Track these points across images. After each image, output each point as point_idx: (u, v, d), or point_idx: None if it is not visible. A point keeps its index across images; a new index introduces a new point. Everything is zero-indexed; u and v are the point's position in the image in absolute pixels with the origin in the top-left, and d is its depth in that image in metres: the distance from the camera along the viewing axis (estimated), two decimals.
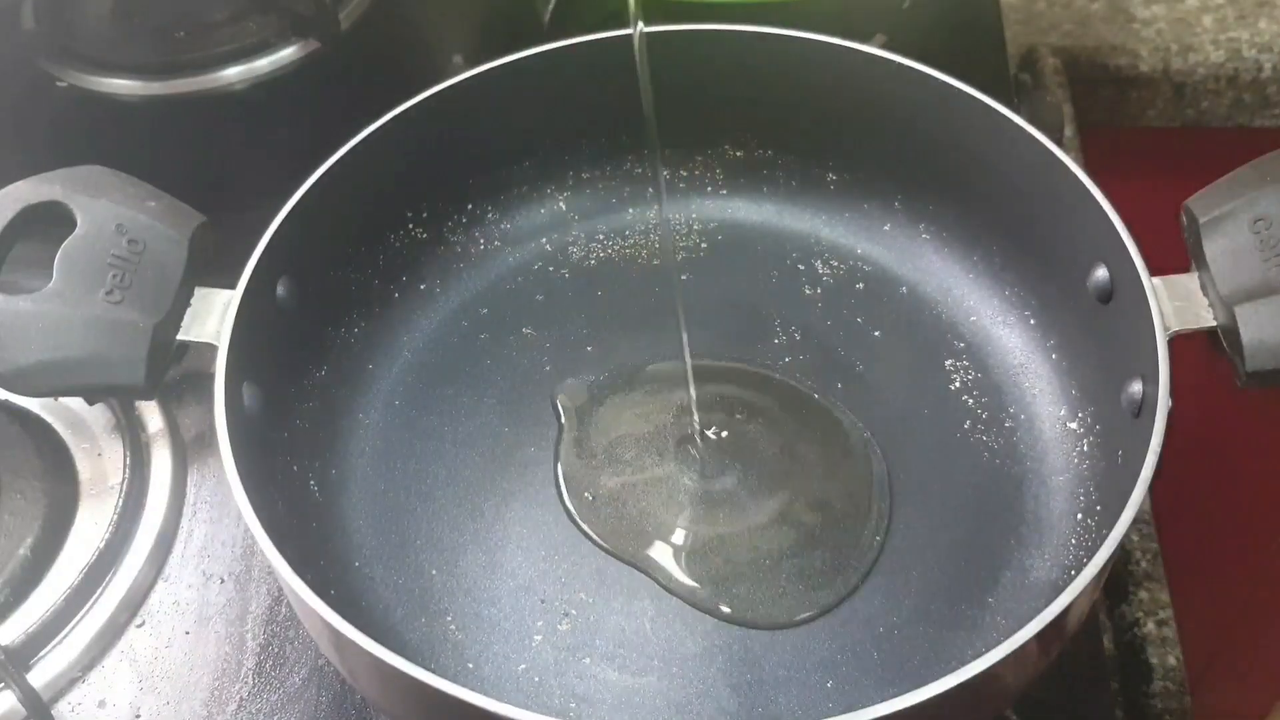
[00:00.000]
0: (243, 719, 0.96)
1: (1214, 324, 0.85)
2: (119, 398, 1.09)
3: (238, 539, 1.06)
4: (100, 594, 1.01)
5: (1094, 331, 0.98)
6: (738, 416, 1.03)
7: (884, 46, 1.05)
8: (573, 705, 0.89)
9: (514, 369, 1.09)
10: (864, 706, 0.74)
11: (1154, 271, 0.87)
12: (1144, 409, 0.84)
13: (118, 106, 1.32)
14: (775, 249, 1.18)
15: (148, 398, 1.05)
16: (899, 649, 0.90)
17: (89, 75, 1.33)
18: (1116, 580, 1.06)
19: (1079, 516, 0.98)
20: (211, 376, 0.86)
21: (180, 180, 0.98)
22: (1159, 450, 0.79)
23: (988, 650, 0.76)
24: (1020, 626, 0.77)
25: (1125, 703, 1.00)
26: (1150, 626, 1.04)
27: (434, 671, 0.70)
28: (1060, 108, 1.50)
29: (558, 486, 0.99)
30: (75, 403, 1.11)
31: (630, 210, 1.20)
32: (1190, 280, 0.87)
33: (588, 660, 0.91)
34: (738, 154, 1.18)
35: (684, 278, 1.15)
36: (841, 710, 0.68)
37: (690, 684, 0.89)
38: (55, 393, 1.05)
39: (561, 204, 1.19)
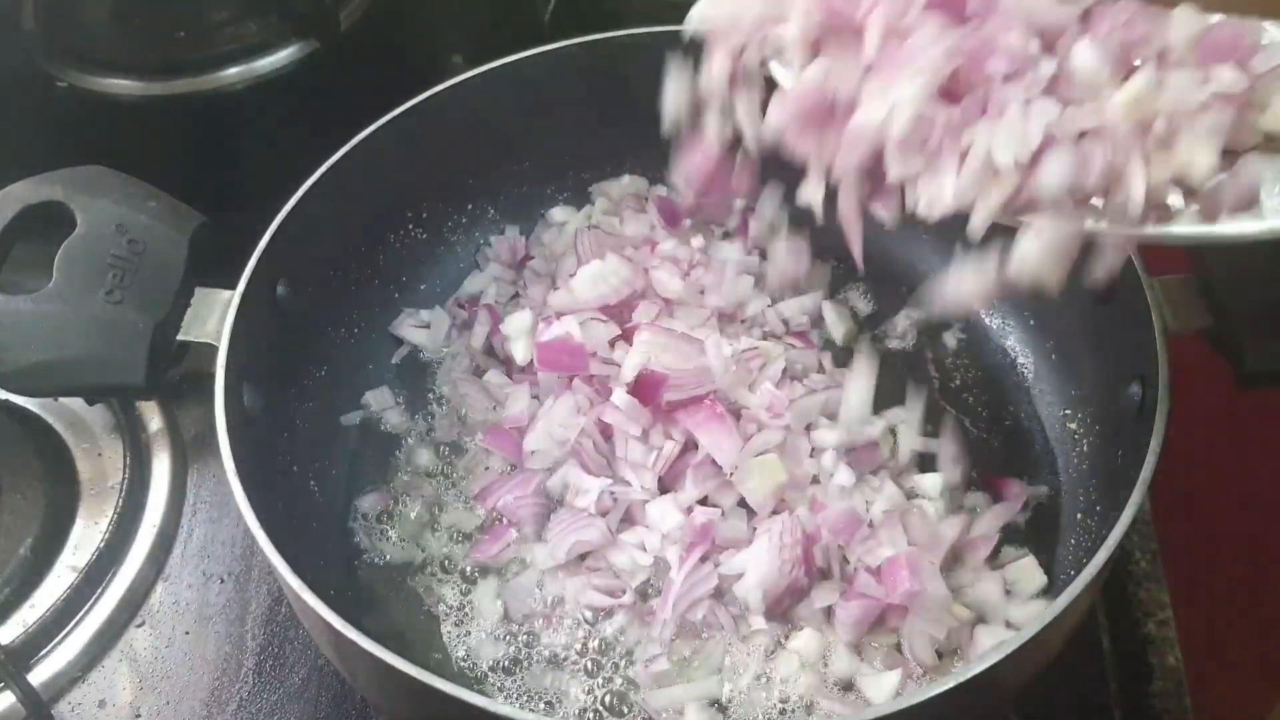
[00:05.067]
0: (243, 718, 0.97)
1: (1213, 325, 0.86)
2: (119, 398, 1.09)
3: (238, 539, 1.06)
4: (100, 594, 1.01)
5: (1094, 332, 0.98)
6: None
7: None
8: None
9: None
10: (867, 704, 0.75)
11: (1153, 272, 0.87)
12: (1144, 409, 0.84)
13: (118, 106, 1.32)
14: None
15: (148, 398, 1.06)
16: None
17: (89, 75, 1.33)
18: (1116, 580, 1.06)
19: (1079, 516, 0.99)
20: (211, 376, 0.86)
21: (180, 180, 0.98)
22: (1159, 450, 0.79)
23: (988, 650, 0.76)
24: (1020, 626, 0.77)
25: (1125, 703, 1.00)
26: (1150, 626, 1.04)
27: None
28: None
29: None
30: (75, 403, 1.11)
31: None
32: (1190, 281, 0.88)
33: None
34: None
35: None
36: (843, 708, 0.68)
37: None
38: (56, 393, 1.05)
39: (561, 204, 1.19)
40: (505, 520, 0.98)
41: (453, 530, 1.00)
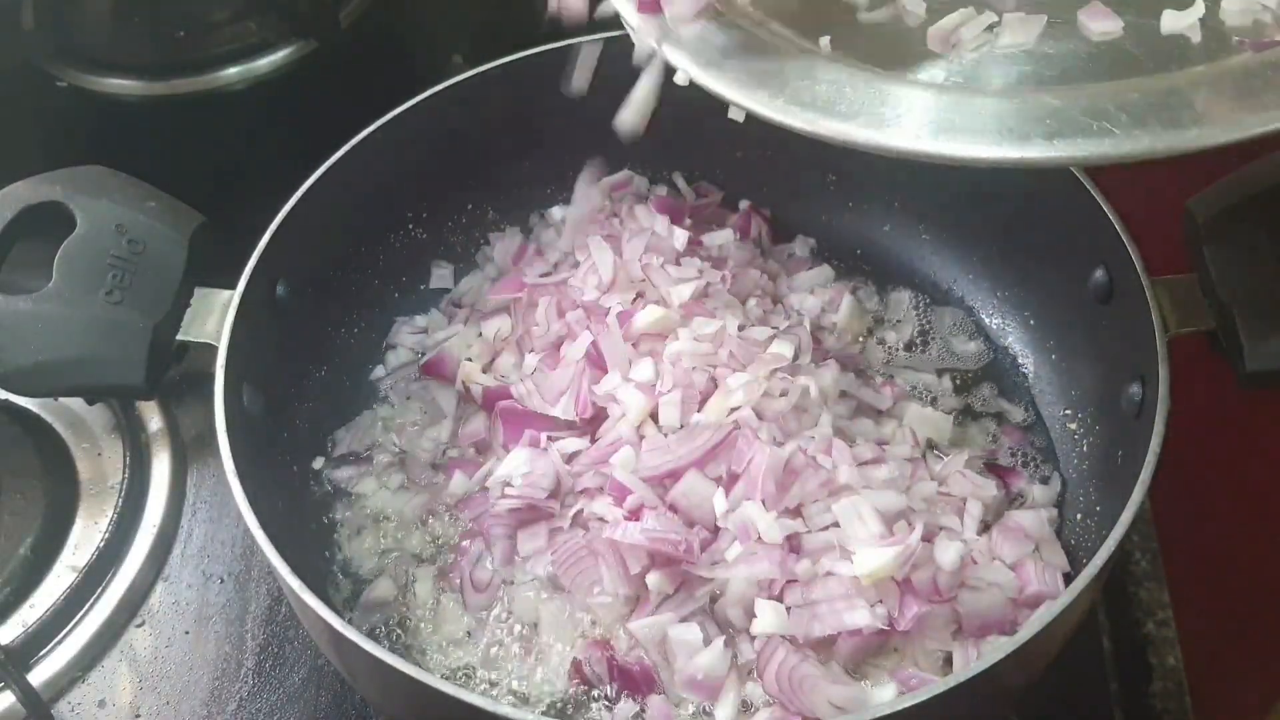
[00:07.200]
0: (243, 718, 0.97)
1: (1213, 325, 0.86)
2: (119, 398, 1.09)
3: (237, 539, 1.06)
4: (100, 594, 1.01)
5: (1094, 332, 0.98)
6: None
7: None
8: None
9: None
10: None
11: (1154, 272, 0.87)
12: (1144, 409, 0.84)
13: (118, 106, 1.32)
14: (776, 249, 1.18)
15: (148, 398, 1.05)
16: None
17: (89, 75, 1.33)
18: (1116, 580, 1.06)
19: (1079, 517, 0.99)
20: (211, 376, 0.86)
21: (180, 180, 0.98)
22: (1159, 450, 0.79)
23: (989, 650, 0.76)
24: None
25: (1125, 703, 1.00)
26: (1150, 626, 1.04)
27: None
28: None
29: None
30: (75, 403, 1.11)
31: None
32: (1190, 281, 0.88)
33: None
34: (738, 154, 1.18)
35: None
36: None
37: None
38: (55, 393, 1.05)
39: (561, 204, 1.19)
40: (481, 535, 0.97)
41: (434, 538, 0.99)
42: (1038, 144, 0.66)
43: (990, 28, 0.73)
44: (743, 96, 0.72)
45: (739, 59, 0.74)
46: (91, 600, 1.01)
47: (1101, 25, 0.72)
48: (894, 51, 0.74)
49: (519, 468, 0.95)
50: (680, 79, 0.76)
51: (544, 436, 0.98)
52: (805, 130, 0.71)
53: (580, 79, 1.04)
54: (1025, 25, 0.72)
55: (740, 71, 0.73)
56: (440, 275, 1.16)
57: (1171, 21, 0.70)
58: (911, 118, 0.70)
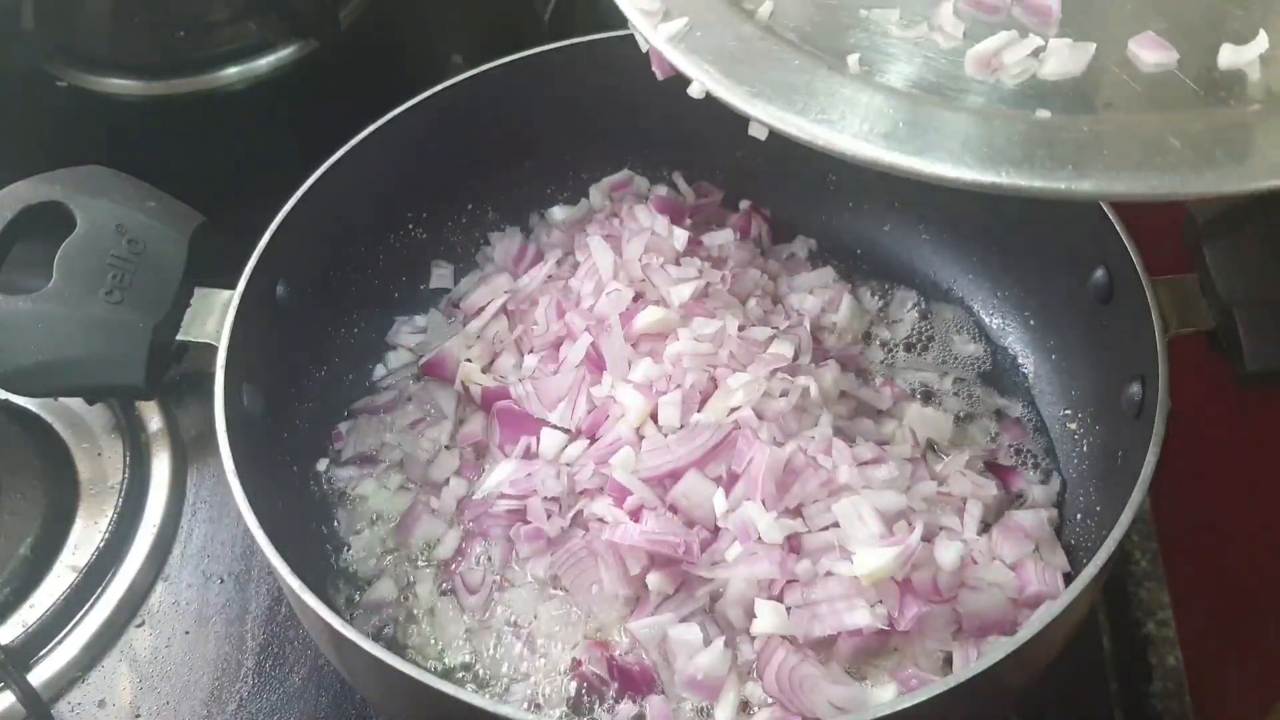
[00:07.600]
0: (243, 718, 0.97)
1: (1213, 325, 0.86)
2: (119, 398, 1.09)
3: (238, 539, 1.06)
4: (100, 594, 1.01)
5: (1094, 332, 0.98)
6: None
7: None
8: None
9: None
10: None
11: (1154, 272, 0.87)
12: (1144, 410, 0.84)
13: (118, 106, 1.32)
14: (775, 249, 1.18)
15: (148, 398, 1.06)
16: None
17: (89, 75, 1.33)
18: (1116, 580, 1.06)
19: (1079, 516, 0.99)
20: (211, 376, 0.86)
21: (180, 180, 0.98)
22: (1159, 450, 0.79)
23: (989, 650, 0.76)
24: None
25: (1125, 703, 1.00)
26: (1150, 626, 1.04)
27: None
28: None
29: None
30: (75, 403, 1.11)
31: None
32: (1190, 281, 0.88)
33: None
34: (738, 154, 1.18)
35: None
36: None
37: None
38: (55, 393, 1.05)
39: (561, 204, 1.19)
40: (481, 536, 0.97)
41: (431, 539, 0.99)
42: (1094, 176, 0.61)
43: (1035, 53, 0.66)
44: (763, 111, 0.67)
45: (759, 71, 0.69)
46: (91, 600, 1.01)
47: (1155, 56, 0.66)
48: (926, 72, 0.68)
49: (507, 477, 0.96)
50: (695, 91, 0.71)
51: (534, 439, 0.98)
52: (845, 153, 0.65)
53: None
54: (1074, 53, 0.66)
55: (761, 85, 0.68)
56: (440, 275, 1.16)
57: (1230, 56, 0.65)
58: (955, 143, 0.64)
